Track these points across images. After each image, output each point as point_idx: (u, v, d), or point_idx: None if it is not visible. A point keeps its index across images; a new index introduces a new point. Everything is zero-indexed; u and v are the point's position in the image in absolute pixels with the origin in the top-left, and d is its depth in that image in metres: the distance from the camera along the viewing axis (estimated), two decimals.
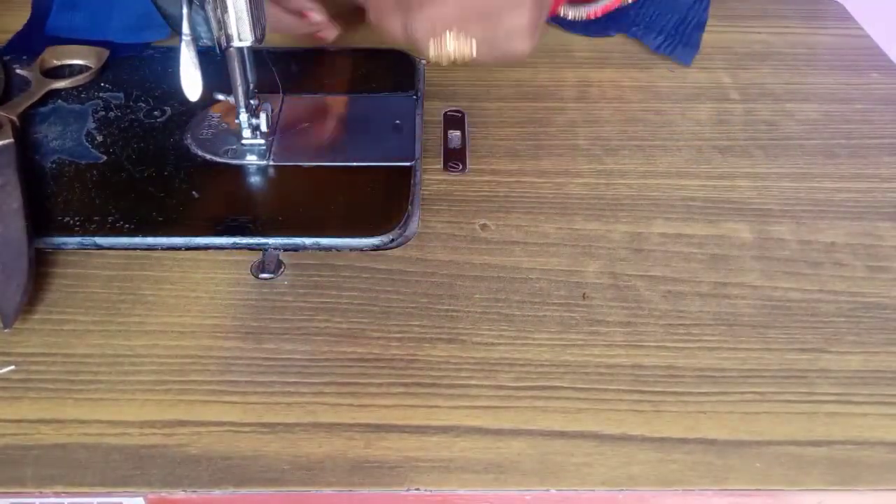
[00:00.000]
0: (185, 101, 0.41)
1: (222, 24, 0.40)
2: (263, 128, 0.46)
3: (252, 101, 0.45)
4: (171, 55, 0.54)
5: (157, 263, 0.40)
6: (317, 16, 0.50)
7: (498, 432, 0.33)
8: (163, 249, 0.41)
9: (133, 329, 0.37)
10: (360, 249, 0.41)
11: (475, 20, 0.42)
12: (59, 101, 0.50)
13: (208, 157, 0.46)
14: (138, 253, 0.41)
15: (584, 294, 0.39)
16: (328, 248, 0.41)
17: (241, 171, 0.45)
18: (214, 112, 0.49)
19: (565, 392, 0.35)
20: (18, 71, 0.52)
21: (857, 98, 0.54)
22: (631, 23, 0.59)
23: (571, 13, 0.58)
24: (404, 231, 0.42)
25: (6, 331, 0.36)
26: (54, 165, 0.45)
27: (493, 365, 0.36)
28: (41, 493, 0.31)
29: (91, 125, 0.48)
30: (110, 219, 0.41)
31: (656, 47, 0.57)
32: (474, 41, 0.42)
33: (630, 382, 0.35)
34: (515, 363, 0.36)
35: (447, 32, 0.42)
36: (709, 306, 0.39)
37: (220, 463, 0.32)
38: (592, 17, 0.57)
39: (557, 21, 0.59)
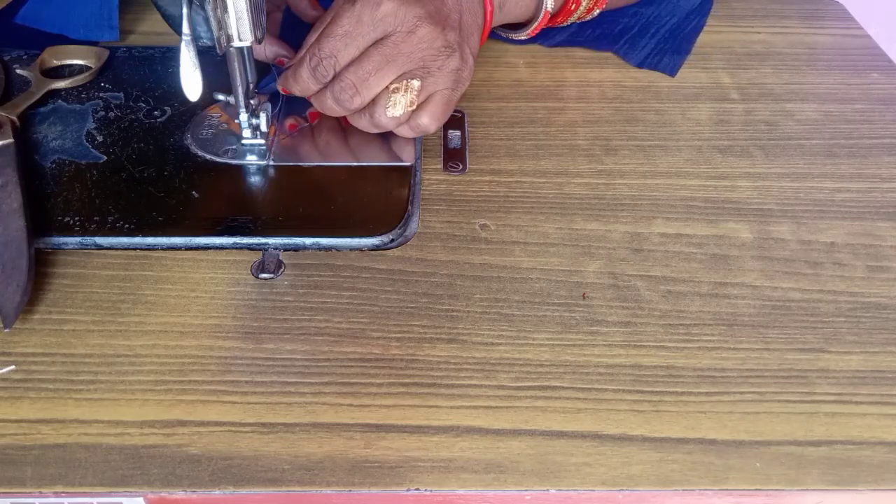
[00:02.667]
0: (185, 101, 0.41)
1: (222, 24, 0.40)
2: (263, 128, 0.46)
3: (252, 101, 0.45)
4: (171, 55, 0.54)
5: (157, 263, 0.40)
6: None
7: (498, 432, 0.33)
8: (163, 249, 0.41)
9: (133, 329, 0.37)
10: (360, 249, 0.41)
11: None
12: (59, 101, 0.50)
13: (208, 157, 0.46)
14: (138, 253, 0.41)
15: (584, 294, 0.39)
16: (328, 248, 0.41)
17: (241, 171, 0.45)
18: (214, 112, 0.49)
19: (565, 392, 0.35)
20: (18, 71, 0.52)
21: (857, 98, 0.54)
22: (621, 32, 0.57)
23: (507, 34, 0.55)
24: (404, 231, 0.42)
25: (6, 331, 0.36)
26: (54, 165, 0.45)
27: (492, 365, 0.36)
28: (41, 493, 0.31)
29: (91, 125, 0.48)
30: (110, 219, 0.41)
31: (639, 63, 0.55)
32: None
33: (630, 382, 0.35)
34: (515, 363, 0.36)
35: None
36: (709, 306, 0.39)
37: (220, 463, 0.32)
38: (525, 38, 0.55)
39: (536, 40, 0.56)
